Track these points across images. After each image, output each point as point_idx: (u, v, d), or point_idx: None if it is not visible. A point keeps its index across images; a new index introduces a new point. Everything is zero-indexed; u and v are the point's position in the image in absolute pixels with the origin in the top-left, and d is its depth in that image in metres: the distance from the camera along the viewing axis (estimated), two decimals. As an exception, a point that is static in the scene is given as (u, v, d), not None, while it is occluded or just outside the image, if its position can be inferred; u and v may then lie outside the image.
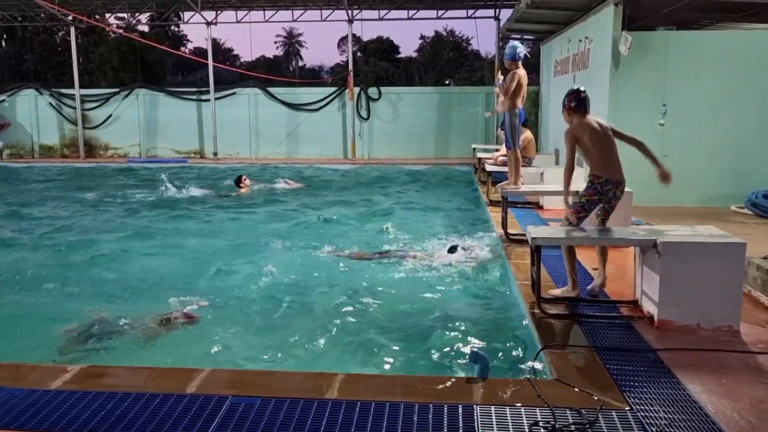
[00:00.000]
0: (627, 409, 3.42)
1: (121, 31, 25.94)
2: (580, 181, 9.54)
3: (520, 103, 8.34)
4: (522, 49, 8.24)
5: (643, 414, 3.36)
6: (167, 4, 20.31)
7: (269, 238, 8.89)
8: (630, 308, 5.09)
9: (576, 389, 3.64)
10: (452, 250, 7.49)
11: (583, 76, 11.56)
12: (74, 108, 20.53)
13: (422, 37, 60.32)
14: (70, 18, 19.85)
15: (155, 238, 9.25)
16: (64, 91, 21.17)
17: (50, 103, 20.85)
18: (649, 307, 4.82)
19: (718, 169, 9.64)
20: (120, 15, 22.48)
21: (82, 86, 20.83)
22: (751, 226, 8.16)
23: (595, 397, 3.53)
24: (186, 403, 3.51)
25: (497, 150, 13.02)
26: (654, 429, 3.20)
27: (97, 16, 22.56)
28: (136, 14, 22.38)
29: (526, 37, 18.12)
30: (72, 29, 21.25)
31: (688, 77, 9.53)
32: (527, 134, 11.49)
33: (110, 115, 20.61)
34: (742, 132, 9.58)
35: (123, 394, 3.61)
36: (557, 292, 5.48)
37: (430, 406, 3.46)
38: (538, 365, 4.16)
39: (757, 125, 9.55)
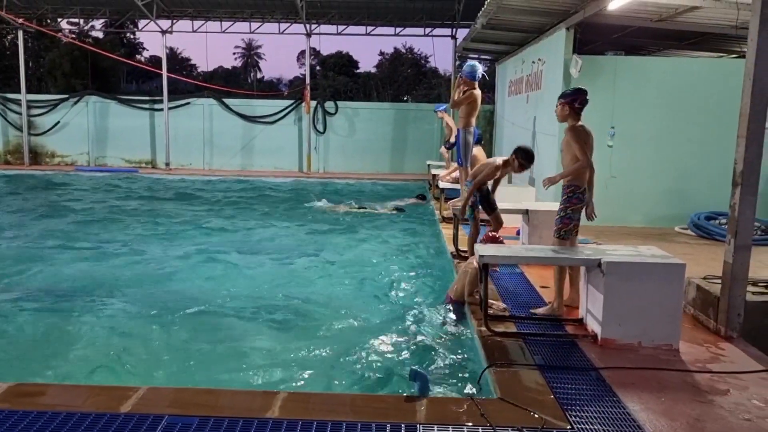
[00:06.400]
0: (568, 428, 3.44)
1: (72, 36, 25.20)
2: (530, 198, 9.76)
3: (473, 122, 8.50)
4: (481, 70, 8.45)
5: (583, 433, 3.38)
6: (121, 12, 19.92)
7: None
8: (575, 326, 5.15)
9: (519, 408, 3.64)
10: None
11: (536, 97, 11.79)
12: (20, 114, 19.87)
13: (381, 54, 60.73)
14: (20, 21, 19.23)
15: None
16: (9, 95, 20.46)
17: (-6, 108, 20.14)
18: (593, 326, 4.88)
19: (663, 190, 9.92)
20: (72, 20, 21.91)
21: (31, 92, 20.11)
22: (694, 246, 8.40)
23: (537, 416, 3.54)
24: (119, 423, 3.37)
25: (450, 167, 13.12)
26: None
27: (48, 21, 21.94)
28: (89, 20, 21.83)
29: (482, 57, 18.40)
30: (20, 33, 20.59)
31: (635, 101, 9.80)
32: (476, 151, 11.59)
33: (58, 122, 19.98)
34: (685, 155, 9.87)
35: (52, 413, 3.45)
36: (541, 311, 5.49)
37: (373, 425, 3.41)
38: (483, 384, 4.15)
39: (699, 148, 9.84)
